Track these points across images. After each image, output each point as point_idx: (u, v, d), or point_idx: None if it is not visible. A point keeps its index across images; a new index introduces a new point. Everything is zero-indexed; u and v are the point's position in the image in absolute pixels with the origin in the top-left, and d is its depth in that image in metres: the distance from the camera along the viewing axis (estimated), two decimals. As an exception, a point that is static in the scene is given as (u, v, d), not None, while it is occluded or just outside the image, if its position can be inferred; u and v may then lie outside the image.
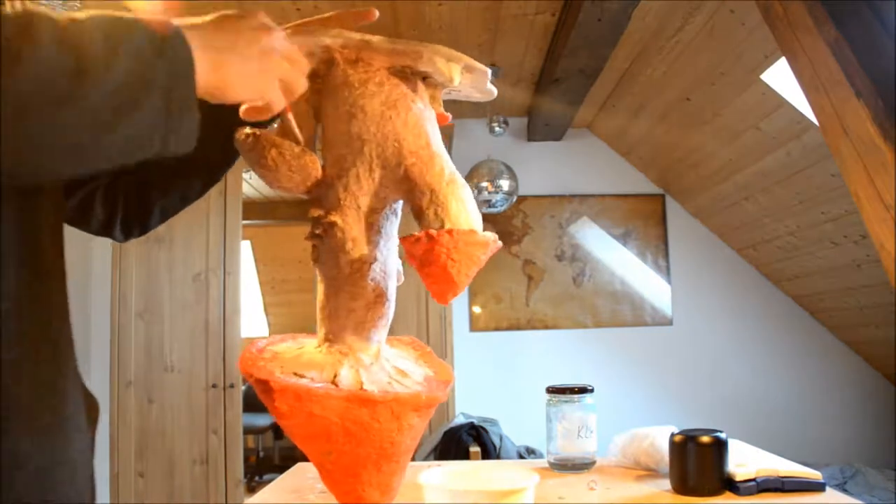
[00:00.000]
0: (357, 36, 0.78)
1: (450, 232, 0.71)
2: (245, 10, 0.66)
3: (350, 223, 0.78)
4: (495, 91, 0.83)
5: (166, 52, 0.55)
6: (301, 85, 0.69)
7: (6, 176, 0.51)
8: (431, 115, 0.78)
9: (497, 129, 3.42)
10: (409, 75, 0.78)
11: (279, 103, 0.67)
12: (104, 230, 0.87)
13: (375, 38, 0.77)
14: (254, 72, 0.64)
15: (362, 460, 0.74)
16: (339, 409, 0.72)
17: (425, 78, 0.80)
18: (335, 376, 0.76)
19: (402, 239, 0.75)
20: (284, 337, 0.86)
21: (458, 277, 0.71)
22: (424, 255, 0.71)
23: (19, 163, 0.50)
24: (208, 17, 0.63)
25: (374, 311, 0.79)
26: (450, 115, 0.81)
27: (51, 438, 0.62)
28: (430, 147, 0.75)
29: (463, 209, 0.74)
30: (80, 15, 0.52)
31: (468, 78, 0.80)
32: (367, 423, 0.72)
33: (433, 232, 0.71)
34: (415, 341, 0.89)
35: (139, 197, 0.86)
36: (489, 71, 0.80)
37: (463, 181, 0.76)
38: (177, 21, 0.60)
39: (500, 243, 0.76)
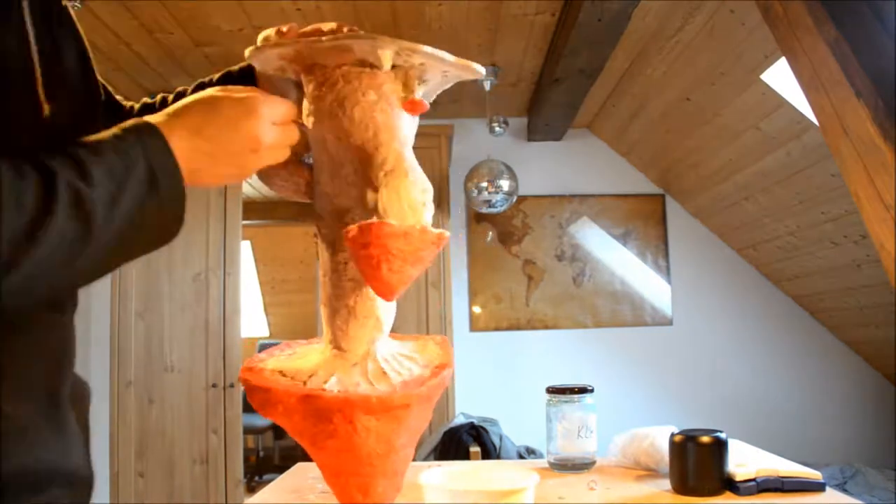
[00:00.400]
0: (302, 44, 0.76)
1: (371, 227, 0.68)
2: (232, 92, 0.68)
3: (329, 224, 0.79)
4: (481, 69, 0.81)
5: (160, 190, 0.60)
6: (284, 155, 0.72)
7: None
8: (389, 105, 0.76)
9: (497, 129, 3.42)
10: (368, 66, 0.77)
11: (279, 158, 0.71)
12: None
13: (323, 40, 0.75)
14: (233, 168, 0.67)
15: (335, 461, 0.74)
16: (299, 409, 0.72)
17: (394, 66, 0.78)
18: (330, 377, 0.75)
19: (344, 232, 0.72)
20: (310, 340, 0.86)
21: (386, 274, 0.68)
22: (352, 250, 0.70)
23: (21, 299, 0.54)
24: (196, 99, 0.66)
25: (363, 308, 0.78)
26: (426, 103, 0.78)
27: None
28: (376, 138, 0.73)
29: (395, 200, 0.70)
30: (93, 157, 0.57)
31: (423, 59, 0.77)
32: (324, 425, 0.71)
33: (355, 228, 0.69)
34: (444, 341, 0.88)
35: None
36: (428, 50, 0.77)
37: (410, 168, 0.72)
38: (166, 113, 0.64)
39: (446, 234, 0.72)
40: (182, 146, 0.62)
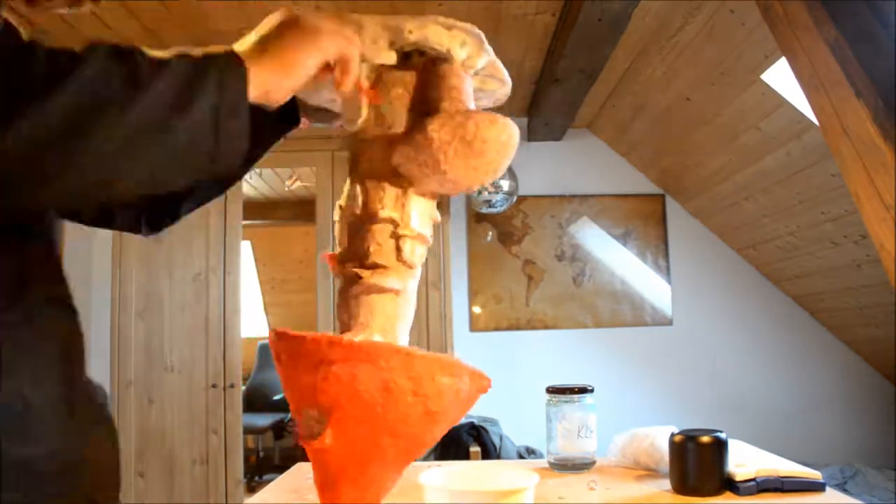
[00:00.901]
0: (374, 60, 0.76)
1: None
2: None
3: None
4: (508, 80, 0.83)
5: (217, 60, 0.59)
6: (355, 60, 0.70)
7: (76, 197, 0.55)
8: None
9: (497, 129, 3.41)
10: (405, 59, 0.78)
11: (349, 63, 0.68)
12: (130, 229, 0.88)
13: (386, 56, 0.76)
14: (309, 44, 0.65)
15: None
16: (316, 353, 0.69)
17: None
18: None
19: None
20: None
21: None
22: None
23: (83, 178, 0.53)
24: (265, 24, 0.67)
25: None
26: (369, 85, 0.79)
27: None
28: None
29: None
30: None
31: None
32: (337, 373, 0.68)
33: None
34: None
35: (166, 198, 0.86)
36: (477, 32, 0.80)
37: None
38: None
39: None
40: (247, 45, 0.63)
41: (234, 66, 0.59)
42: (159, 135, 0.54)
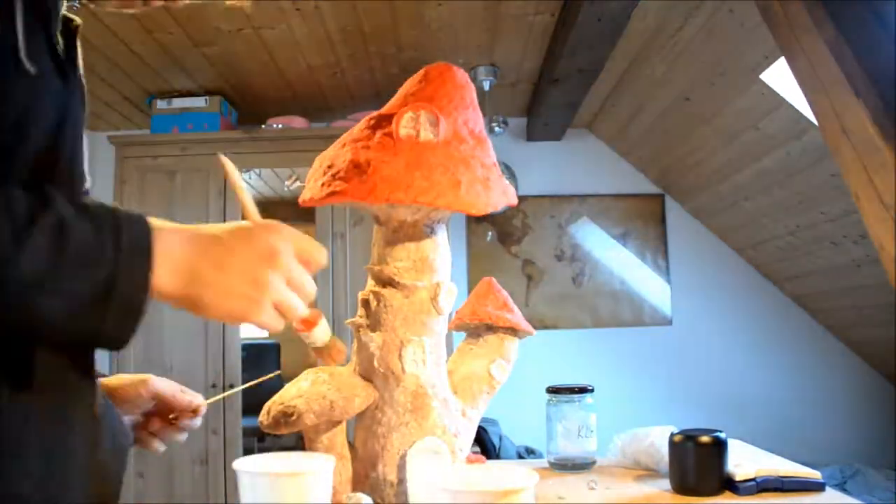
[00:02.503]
0: None
1: None
2: (265, 225, 0.65)
3: None
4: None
5: (122, 240, 0.55)
6: (297, 315, 0.66)
7: None
8: None
9: (496, 129, 3.42)
10: None
11: (273, 327, 0.64)
12: None
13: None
14: (239, 295, 0.61)
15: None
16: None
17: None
18: None
19: None
20: None
21: None
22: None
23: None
24: (224, 227, 0.63)
25: None
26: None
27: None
28: None
29: None
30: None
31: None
32: None
33: None
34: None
35: None
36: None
37: None
38: (187, 226, 0.61)
39: None
40: (189, 242, 0.60)
41: (141, 267, 0.56)
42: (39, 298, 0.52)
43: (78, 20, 0.70)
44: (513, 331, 1.03)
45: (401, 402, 0.85)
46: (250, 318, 0.62)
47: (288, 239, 0.64)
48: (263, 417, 0.83)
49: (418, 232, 0.86)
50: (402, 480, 0.83)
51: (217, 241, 0.61)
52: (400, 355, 0.84)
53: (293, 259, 0.64)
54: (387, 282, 0.86)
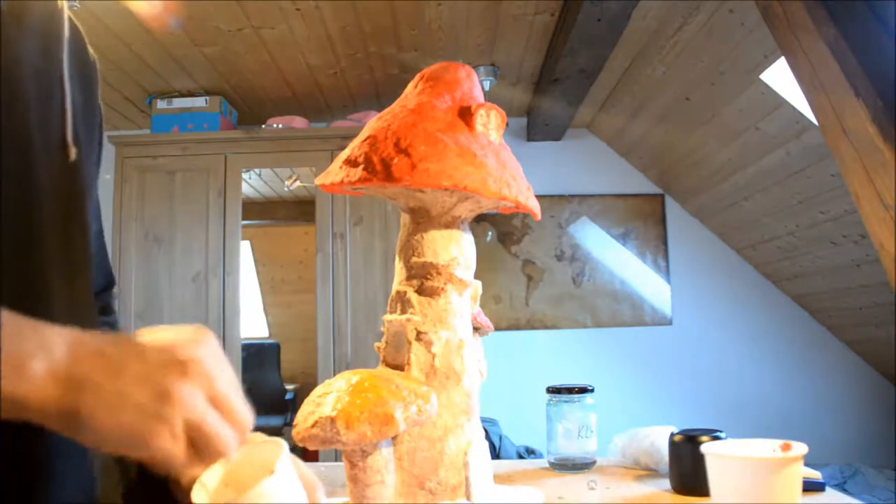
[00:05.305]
0: None
1: None
2: (190, 339, 0.50)
3: None
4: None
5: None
6: (222, 450, 0.49)
7: None
8: None
9: (497, 129, 3.42)
10: None
11: (179, 459, 0.47)
12: None
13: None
14: (135, 407, 0.45)
15: None
16: None
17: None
18: None
19: None
20: None
21: None
22: None
23: None
24: (118, 336, 0.50)
25: None
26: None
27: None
28: None
29: None
30: None
31: None
32: None
33: None
34: None
35: None
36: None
37: None
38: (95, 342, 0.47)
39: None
40: (82, 348, 0.46)
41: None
42: None
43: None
44: (473, 328, 1.01)
45: (457, 404, 0.81)
46: (150, 439, 0.45)
47: (211, 361, 0.50)
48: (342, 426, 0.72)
49: (463, 228, 0.85)
50: (461, 482, 0.80)
51: (112, 344, 0.48)
52: (461, 355, 0.80)
53: (219, 368, 0.50)
54: (447, 278, 0.81)
